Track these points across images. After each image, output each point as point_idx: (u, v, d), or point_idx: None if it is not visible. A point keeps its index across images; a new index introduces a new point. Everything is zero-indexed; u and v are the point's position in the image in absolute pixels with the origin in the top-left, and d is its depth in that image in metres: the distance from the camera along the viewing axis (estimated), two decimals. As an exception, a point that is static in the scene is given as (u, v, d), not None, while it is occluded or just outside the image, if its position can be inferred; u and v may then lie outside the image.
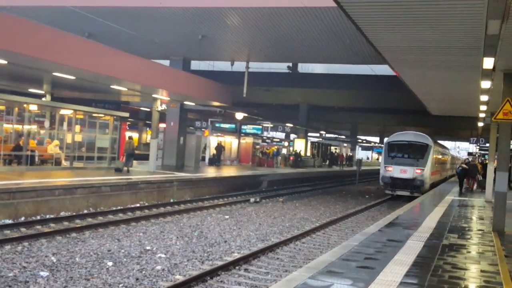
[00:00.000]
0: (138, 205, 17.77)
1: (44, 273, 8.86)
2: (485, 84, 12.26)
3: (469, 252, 9.26)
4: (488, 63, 9.78)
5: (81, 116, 23.06)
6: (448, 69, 12.59)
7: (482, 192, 24.83)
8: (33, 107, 20.96)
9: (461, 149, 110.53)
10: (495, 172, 15.46)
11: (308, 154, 47.34)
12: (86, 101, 29.65)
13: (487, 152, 43.34)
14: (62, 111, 22.27)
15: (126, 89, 23.94)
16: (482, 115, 20.79)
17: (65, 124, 22.97)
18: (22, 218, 13.60)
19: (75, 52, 17.18)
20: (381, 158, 29.92)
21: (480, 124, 25.85)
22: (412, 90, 17.41)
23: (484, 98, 14.91)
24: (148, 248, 11.43)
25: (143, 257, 10.55)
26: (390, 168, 26.03)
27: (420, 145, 26.56)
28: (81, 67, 17.51)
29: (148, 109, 36.35)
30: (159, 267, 9.81)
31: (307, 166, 41.44)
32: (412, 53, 11.08)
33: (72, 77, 19.65)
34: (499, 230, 12.08)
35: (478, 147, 52.64)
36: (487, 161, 23.34)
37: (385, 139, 30.05)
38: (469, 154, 70.02)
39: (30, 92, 27.61)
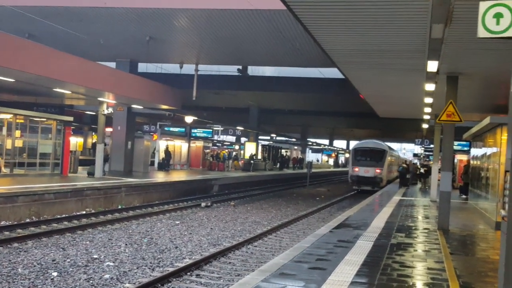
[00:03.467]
0: (84, 212, 17.22)
1: (-17, 286, 8.40)
2: (429, 86, 12.59)
3: (416, 250, 9.46)
4: (432, 66, 10.03)
5: (22, 121, 22.11)
6: (395, 72, 12.88)
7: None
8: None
9: (406, 150, 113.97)
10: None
11: (259, 157, 47.43)
12: (28, 105, 28.52)
13: (431, 153, 44.80)
14: (1, 116, 21.30)
15: (70, 92, 23.20)
16: (426, 117, 21.40)
17: (4, 129, 21.97)
18: (-41, 229, 12.88)
19: (14, 54, 16.45)
20: (349, 161, 37.21)
21: (425, 126, 26.71)
22: (360, 92, 17.73)
23: (428, 100, 15.31)
24: (95, 256, 11.05)
25: (90, 266, 10.17)
26: (356, 169, 32.35)
27: (378, 150, 33.06)
28: (21, 69, 16.78)
29: (94, 113, 35.38)
30: (107, 276, 9.48)
31: (258, 169, 41.52)
32: (359, 56, 11.26)
33: (12, 80, 18.84)
34: (444, 228, 12.43)
35: (423, 148, 54.27)
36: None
37: (351, 146, 37.18)
38: (415, 155, 72.21)
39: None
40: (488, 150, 16.43)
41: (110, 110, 25.49)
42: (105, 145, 25.41)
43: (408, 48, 10.11)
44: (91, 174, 23.40)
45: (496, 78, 12.63)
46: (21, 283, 8.72)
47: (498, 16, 4.12)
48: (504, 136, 11.77)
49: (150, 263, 10.75)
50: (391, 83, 14.89)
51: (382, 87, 15.85)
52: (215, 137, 45.89)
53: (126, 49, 26.49)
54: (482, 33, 4.03)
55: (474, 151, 22.60)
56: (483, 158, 18.13)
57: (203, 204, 21.34)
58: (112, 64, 28.41)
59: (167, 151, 32.99)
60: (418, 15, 8.02)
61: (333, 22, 8.74)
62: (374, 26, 8.71)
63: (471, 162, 23.12)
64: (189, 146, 37.82)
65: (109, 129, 30.12)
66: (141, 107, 28.41)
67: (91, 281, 9.07)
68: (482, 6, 4.24)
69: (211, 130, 38.10)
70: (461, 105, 15.19)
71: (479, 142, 20.02)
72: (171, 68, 30.30)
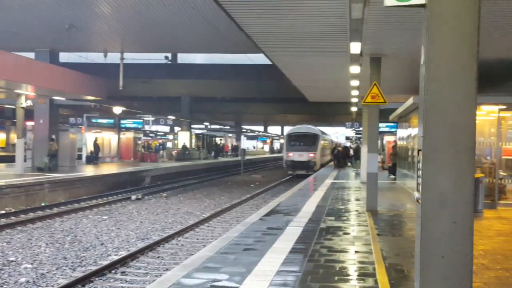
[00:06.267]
0: (3, 212, 16.15)
1: None
2: (354, 69, 12.57)
3: (345, 233, 9.40)
4: (355, 47, 9.92)
5: None
6: (319, 54, 12.77)
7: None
8: None
9: (340, 134, 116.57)
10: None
11: (193, 146, 46.78)
12: None
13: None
14: None
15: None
16: (354, 100, 21.60)
17: None
18: None
19: None
20: (283, 147, 38.00)
21: (354, 109, 27.10)
22: (287, 76, 17.60)
23: (354, 83, 15.37)
24: (12, 259, 10.36)
25: (5, 270, 9.51)
26: (290, 154, 33.17)
27: (311, 135, 34.18)
28: None
29: (14, 106, 33.43)
30: (23, 279, 8.89)
31: (192, 159, 40.92)
32: (281, 39, 11.02)
33: None
34: (372, 209, 12.49)
35: (354, 131, 55.41)
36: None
37: (285, 132, 38.20)
38: (347, 138, 73.92)
39: None
40: (413, 131, 16.82)
41: (29, 102, 24.08)
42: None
43: (330, 30, 9.97)
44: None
45: (417, 59, 12.78)
46: None
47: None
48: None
49: (72, 262, 10.20)
50: (317, 66, 14.81)
51: (308, 70, 15.76)
52: (147, 128, 44.73)
53: (45, 38, 25.04)
54: (388, 1, 3.82)
55: (401, 132, 23.21)
56: (409, 138, 18.59)
57: (133, 197, 20.65)
58: (32, 55, 26.85)
59: (95, 144, 31.75)
60: (337, -5, 7.86)
61: (251, 3, 8.42)
62: (292, 7, 8.47)
63: (398, 142, 23.75)
64: (119, 138, 36.60)
65: (31, 123, 28.53)
66: (63, 98, 27.08)
67: (4, 286, 8.49)
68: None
69: (141, 120, 37.02)
70: (386, 86, 15.40)
71: (404, 123, 20.53)
72: (96, 57, 29.03)
